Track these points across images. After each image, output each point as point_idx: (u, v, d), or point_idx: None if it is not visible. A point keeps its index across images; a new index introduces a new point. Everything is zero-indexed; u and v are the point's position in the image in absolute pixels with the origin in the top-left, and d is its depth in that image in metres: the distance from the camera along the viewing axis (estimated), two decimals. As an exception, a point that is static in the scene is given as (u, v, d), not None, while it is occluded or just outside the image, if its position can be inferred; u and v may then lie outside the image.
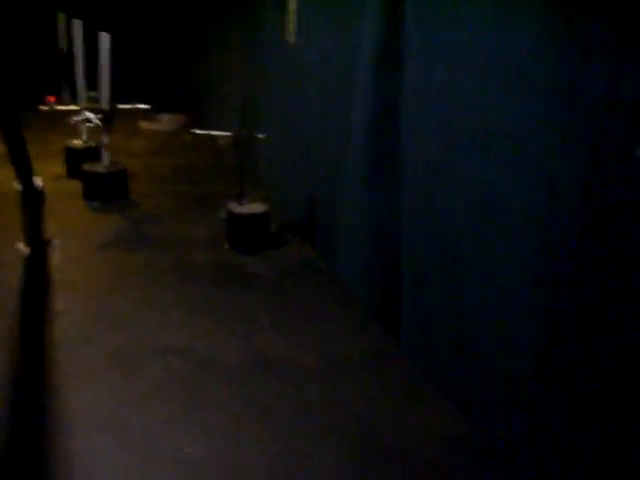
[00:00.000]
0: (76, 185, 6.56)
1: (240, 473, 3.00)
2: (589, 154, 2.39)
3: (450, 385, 3.52)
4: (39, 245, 5.01)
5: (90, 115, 6.19)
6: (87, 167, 6.49)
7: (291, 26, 5.52)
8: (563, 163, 2.52)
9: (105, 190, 6.40)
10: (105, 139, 6.35)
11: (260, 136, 5.57)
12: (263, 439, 3.22)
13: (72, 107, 7.51)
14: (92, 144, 7.06)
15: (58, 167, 7.19)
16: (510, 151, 2.85)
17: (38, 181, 4.87)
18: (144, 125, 9.55)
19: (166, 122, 9.65)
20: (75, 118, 6.30)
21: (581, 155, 2.43)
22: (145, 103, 10.23)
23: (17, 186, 4.66)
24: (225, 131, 5.37)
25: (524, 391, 2.88)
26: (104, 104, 6.19)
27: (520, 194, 2.80)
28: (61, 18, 9.89)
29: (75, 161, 6.94)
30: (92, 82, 6.36)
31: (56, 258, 5.11)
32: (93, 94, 6.38)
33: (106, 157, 6.42)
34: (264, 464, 3.06)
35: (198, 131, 5.57)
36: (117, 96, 6.59)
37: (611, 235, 2.34)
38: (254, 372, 3.76)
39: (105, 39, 5.86)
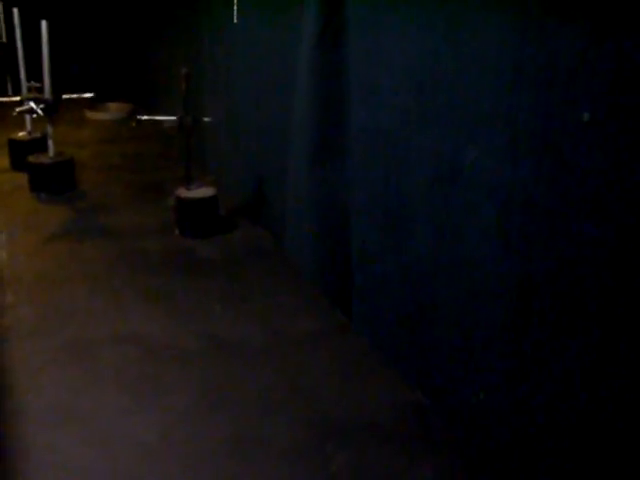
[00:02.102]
0: (22, 178, 6.46)
1: (195, 458, 3.02)
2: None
3: (401, 355, 3.58)
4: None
5: (33, 105, 6.08)
6: (32, 158, 6.40)
7: (235, 6, 5.51)
8: (526, 123, 2.56)
9: (52, 181, 6.32)
10: (50, 129, 6.26)
11: (206, 120, 5.54)
12: (218, 422, 3.25)
13: (14, 98, 7.38)
14: (37, 135, 6.97)
15: (2, 160, 7.09)
16: (462, 119, 2.89)
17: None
18: (90, 115, 9.44)
19: (113, 111, 9.55)
20: (18, 109, 6.19)
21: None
22: (90, 92, 10.11)
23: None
24: (172, 116, 5.33)
25: (479, 358, 2.94)
26: (47, 94, 6.10)
27: (477, 158, 2.83)
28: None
29: (20, 153, 6.84)
30: (36, 72, 6.25)
31: (3, 251, 5.06)
32: (36, 84, 6.28)
33: (52, 148, 6.34)
34: (219, 447, 3.08)
35: (143, 117, 5.50)
36: (61, 86, 6.51)
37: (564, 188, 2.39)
38: (207, 356, 3.78)
39: (44, 27, 5.77)
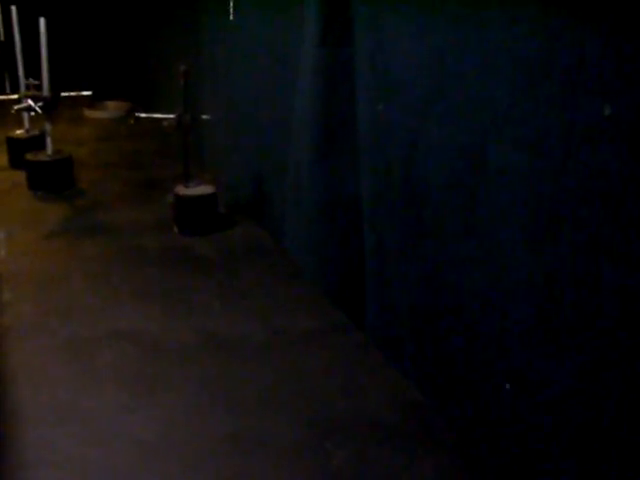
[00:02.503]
0: (20, 176, 6.45)
1: (194, 456, 3.01)
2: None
3: (406, 354, 3.56)
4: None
5: (31, 103, 6.06)
6: (30, 156, 6.39)
7: (231, 2, 5.50)
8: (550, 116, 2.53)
9: (50, 179, 6.30)
10: (48, 127, 6.25)
11: (205, 117, 5.53)
12: (217, 420, 3.24)
13: (12, 96, 7.36)
14: (35, 133, 6.95)
15: (0, 158, 7.07)
16: (484, 112, 2.83)
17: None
18: (89, 113, 9.42)
19: (111, 109, 9.54)
20: (16, 107, 6.17)
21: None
22: (89, 90, 10.09)
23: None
24: (170, 114, 5.31)
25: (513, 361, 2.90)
26: (45, 91, 6.08)
27: (503, 154, 2.78)
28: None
29: (18, 151, 6.82)
30: (34, 70, 6.23)
31: (1, 249, 5.04)
32: (34, 82, 6.26)
33: (50, 145, 6.32)
34: (219, 446, 3.07)
35: (142, 115, 5.49)
36: (60, 83, 6.49)
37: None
38: (206, 353, 3.77)
39: (43, 24, 5.76)
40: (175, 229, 5.36)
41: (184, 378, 3.54)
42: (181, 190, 5.35)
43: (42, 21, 5.76)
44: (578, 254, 2.41)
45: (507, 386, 2.84)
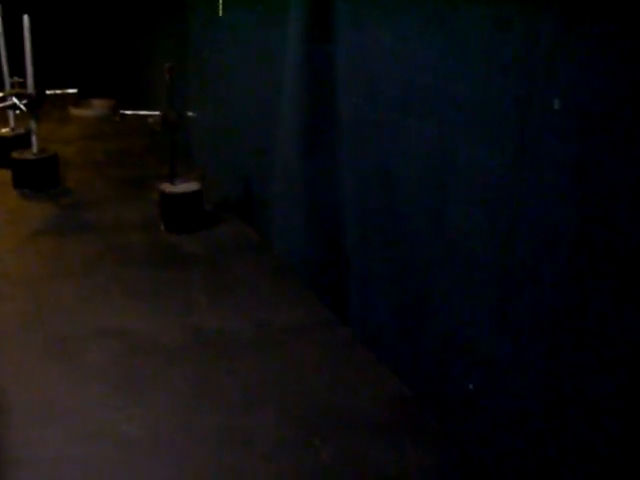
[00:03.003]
0: (5, 174, 6.39)
1: (181, 452, 3.00)
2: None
3: (391, 348, 3.57)
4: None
5: (16, 101, 6.03)
6: (16, 154, 6.35)
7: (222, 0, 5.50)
8: (499, 111, 2.56)
9: (36, 177, 6.27)
10: (33, 125, 6.21)
11: (190, 114, 5.51)
12: (204, 416, 3.23)
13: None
14: (21, 131, 6.90)
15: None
16: (455, 110, 2.87)
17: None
18: (75, 111, 9.36)
19: (97, 107, 9.48)
20: (0, 105, 6.13)
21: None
22: (74, 88, 10.03)
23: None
24: (156, 112, 5.30)
25: (475, 352, 2.92)
26: (30, 89, 6.04)
27: (466, 146, 2.81)
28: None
29: (3, 149, 6.77)
30: (19, 68, 6.19)
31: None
32: (19, 80, 6.21)
33: (35, 144, 6.28)
34: (206, 441, 3.07)
35: (127, 112, 5.47)
36: (45, 81, 6.45)
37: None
38: (193, 349, 3.76)
39: (26, 21, 5.72)
40: (162, 227, 5.34)
41: (171, 375, 3.53)
42: (167, 187, 5.33)
43: (26, 18, 5.73)
44: (535, 246, 2.44)
45: (470, 386, 2.88)
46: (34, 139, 6.26)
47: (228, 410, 3.27)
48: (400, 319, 3.46)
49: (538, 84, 2.36)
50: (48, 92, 7.14)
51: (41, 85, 6.19)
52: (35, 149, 6.30)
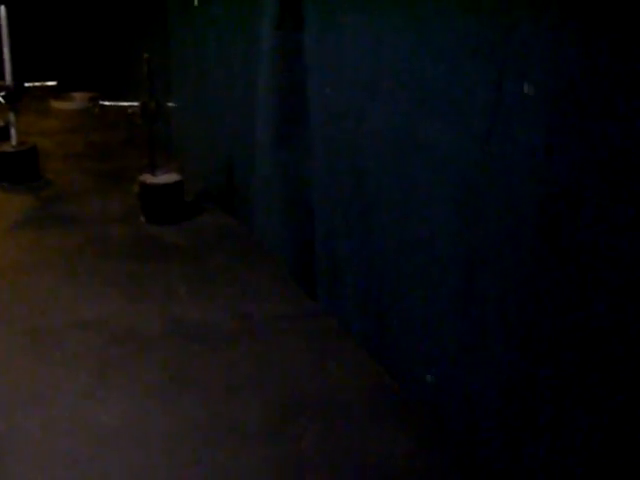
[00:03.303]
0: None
1: (160, 442, 2.98)
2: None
3: (366, 336, 3.56)
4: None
5: (-6, 93, 5.97)
6: (-6, 147, 6.30)
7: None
8: (469, 95, 2.55)
9: (14, 170, 6.20)
10: (12, 117, 6.15)
11: (170, 105, 5.47)
12: (184, 405, 3.21)
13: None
14: (0, 124, 6.84)
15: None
16: (422, 93, 2.86)
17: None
18: (55, 104, 9.29)
19: (77, 100, 9.41)
20: (-23, 98, 6.08)
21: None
22: (54, 80, 9.92)
23: None
24: (136, 102, 5.26)
25: (444, 335, 2.92)
26: (8, 81, 5.98)
27: (433, 132, 2.80)
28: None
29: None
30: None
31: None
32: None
33: (14, 136, 6.22)
34: (186, 430, 3.04)
35: (106, 102, 5.42)
36: (24, 74, 6.39)
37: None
38: (173, 340, 3.73)
39: (3, 12, 5.66)
40: (142, 218, 5.30)
41: (150, 365, 3.51)
42: (147, 178, 5.29)
43: (2, 9, 5.67)
44: (500, 230, 2.44)
45: (428, 377, 2.89)
46: (13, 132, 6.21)
47: (208, 399, 3.25)
48: (369, 306, 3.46)
49: (509, 68, 2.35)
50: (27, 84, 7.08)
51: (20, 77, 6.13)
52: (14, 142, 6.24)
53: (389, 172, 3.17)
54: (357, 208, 3.47)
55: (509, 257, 2.41)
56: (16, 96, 6.08)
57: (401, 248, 3.14)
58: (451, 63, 2.65)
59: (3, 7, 5.65)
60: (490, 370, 2.59)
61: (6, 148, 6.24)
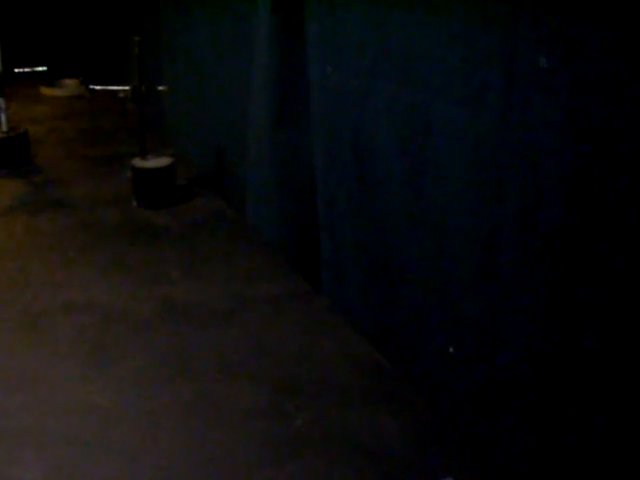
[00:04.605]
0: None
1: (153, 422, 2.96)
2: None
3: (366, 317, 3.54)
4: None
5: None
6: (-16, 133, 6.25)
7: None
8: (482, 71, 2.51)
9: (6, 156, 6.16)
10: (2, 103, 6.10)
11: (161, 88, 5.44)
12: (177, 387, 3.19)
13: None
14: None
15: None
16: (431, 71, 2.81)
17: None
18: (46, 91, 9.23)
19: (68, 87, 9.35)
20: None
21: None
22: (44, 66, 9.85)
23: None
24: (127, 87, 5.23)
25: (444, 318, 2.90)
26: (-3, 66, 5.95)
27: (446, 109, 2.75)
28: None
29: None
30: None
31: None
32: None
33: (4, 121, 6.18)
34: (179, 411, 3.03)
35: (97, 87, 5.39)
36: (13, 59, 6.35)
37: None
38: (164, 322, 3.72)
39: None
40: (134, 203, 5.27)
41: (142, 347, 3.49)
42: (138, 162, 5.26)
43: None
44: (521, 210, 2.41)
45: (451, 349, 2.85)
46: (3, 117, 6.16)
47: (200, 379, 3.24)
48: (373, 287, 3.44)
49: (523, 41, 2.31)
50: (17, 70, 7.04)
51: (9, 63, 6.08)
52: (5, 127, 6.20)
53: (396, 151, 3.10)
54: (360, 188, 3.42)
55: (531, 232, 2.37)
56: (5, 81, 6.03)
57: (411, 228, 3.08)
58: (461, 38, 2.59)
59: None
60: (511, 349, 2.56)
61: (-3, 134, 6.20)
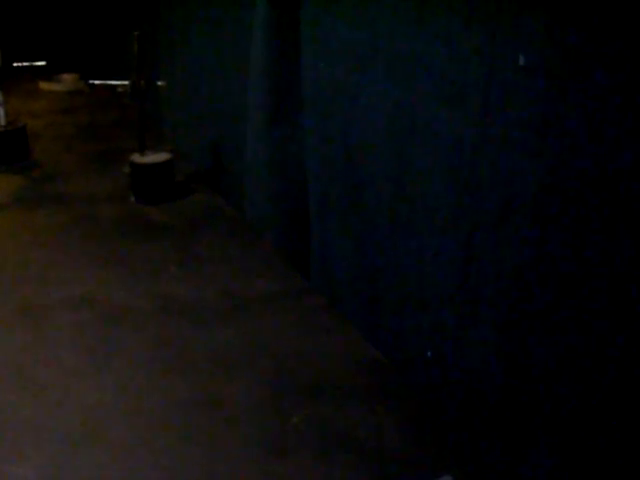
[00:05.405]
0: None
1: (150, 418, 2.97)
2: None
3: (357, 313, 3.55)
4: None
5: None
6: (-17, 127, 6.24)
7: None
8: (463, 69, 2.52)
9: (4, 150, 6.15)
10: (0, 97, 6.09)
11: (160, 83, 5.43)
12: (174, 382, 3.20)
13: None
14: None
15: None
16: (417, 69, 2.83)
17: None
18: (44, 86, 9.22)
19: (67, 82, 9.34)
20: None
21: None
22: (42, 60, 9.84)
23: None
24: (126, 81, 5.22)
25: (435, 314, 2.91)
26: (-4, 60, 5.94)
27: (429, 107, 2.77)
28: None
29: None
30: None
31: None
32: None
33: (2, 116, 6.17)
34: (176, 407, 3.04)
35: (96, 82, 5.38)
36: (12, 54, 6.33)
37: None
38: (163, 318, 3.72)
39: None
40: (132, 198, 5.27)
41: (140, 342, 3.49)
42: (136, 158, 5.25)
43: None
44: (500, 204, 2.42)
45: (428, 354, 2.87)
46: (2, 111, 6.15)
47: (198, 376, 3.24)
48: (361, 284, 3.45)
49: (502, 40, 2.32)
50: (15, 64, 7.02)
51: (8, 57, 6.07)
52: (3, 121, 6.19)
53: (383, 148, 3.13)
54: (350, 184, 3.43)
55: (507, 230, 2.39)
56: (3, 75, 6.01)
57: (396, 223, 3.11)
58: (444, 37, 2.61)
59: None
60: (488, 345, 2.57)
61: (-5, 128, 6.18)
